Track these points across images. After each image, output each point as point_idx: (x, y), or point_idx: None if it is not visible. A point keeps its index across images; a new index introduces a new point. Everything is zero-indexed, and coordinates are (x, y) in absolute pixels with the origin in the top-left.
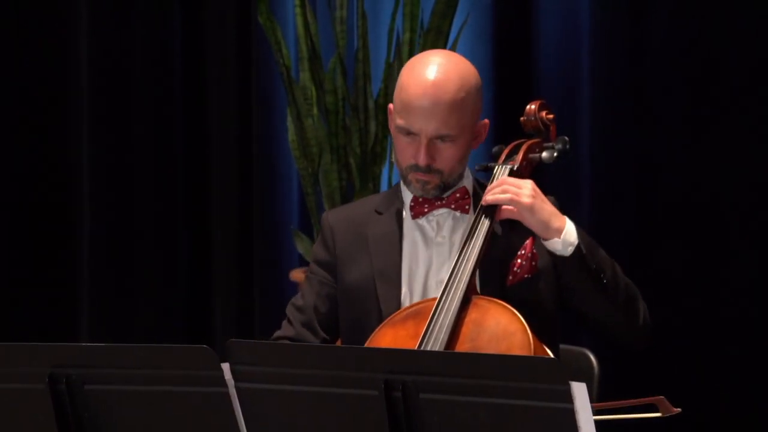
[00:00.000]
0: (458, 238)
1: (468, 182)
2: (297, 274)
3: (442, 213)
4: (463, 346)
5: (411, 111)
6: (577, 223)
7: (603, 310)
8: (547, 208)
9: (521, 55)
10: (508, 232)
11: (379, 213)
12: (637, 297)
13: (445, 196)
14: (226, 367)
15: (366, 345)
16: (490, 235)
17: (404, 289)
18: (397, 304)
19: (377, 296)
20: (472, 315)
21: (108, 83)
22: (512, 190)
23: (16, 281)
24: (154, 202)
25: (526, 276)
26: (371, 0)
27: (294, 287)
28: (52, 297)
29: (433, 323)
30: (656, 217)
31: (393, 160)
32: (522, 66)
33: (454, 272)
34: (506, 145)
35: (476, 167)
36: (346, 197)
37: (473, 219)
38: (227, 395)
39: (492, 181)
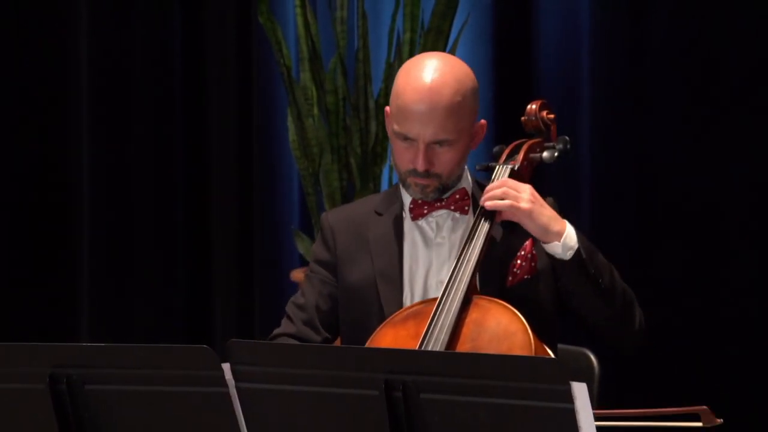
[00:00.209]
0: (458, 239)
1: (467, 183)
2: (297, 274)
3: (441, 214)
4: (463, 346)
5: (408, 117)
6: (577, 222)
7: (600, 313)
8: (546, 212)
9: (521, 55)
10: (508, 233)
11: (379, 214)
12: (634, 302)
13: (444, 197)
14: (226, 367)
15: (366, 345)
16: (491, 235)
17: (405, 290)
18: (399, 305)
19: (379, 297)
20: (472, 315)
21: (108, 83)
22: (511, 194)
23: (16, 281)
24: (154, 202)
25: (525, 277)
26: (372, 0)
27: (294, 287)
28: (52, 297)
29: (433, 323)
30: (656, 217)
31: (392, 163)
32: (522, 66)
33: (455, 272)
34: (507, 145)
35: (477, 167)
36: (347, 197)
37: (473, 220)
38: (227, 395)
39: (492, 181)
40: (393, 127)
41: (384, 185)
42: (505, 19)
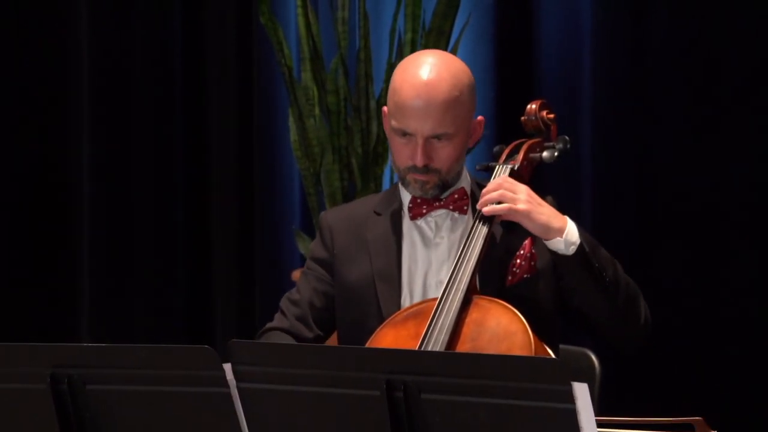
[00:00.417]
0: (457, 239)
1: (466, 183)
2: (298, 275)
3: (440, 214)
4: (463, 346)
5: (405, 112)
6: (577, 222)
7: (604, 310)
8: (544, 210)
9: (523, 56)
10: (507, 233)
11: (378, 214)
12: (638, 296)
13: (443, 197)
14: (227, 367)
15: (367, 345)
16: (490, 235)
17: (404, 290)
18: (397, 305)
19: (377, 297)
20: (472, 315)
21: (108, 83)
22: (508, 196)
23: (17, 281)
24: (155, 203)
25: (525, 276)
26: (373, 0)
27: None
28: (52, 297)
29: (433, 323)
30: (656, 217)
31: (391, 161)
32: (523, 66)
33: (455, 272)
34: (507, 144)
35: (477, 167)
36: (348, 197)
37: (473, 220)
38: (229, 395)
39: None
40: (391, 123)
41: (385, 185)
42: (507, 20)
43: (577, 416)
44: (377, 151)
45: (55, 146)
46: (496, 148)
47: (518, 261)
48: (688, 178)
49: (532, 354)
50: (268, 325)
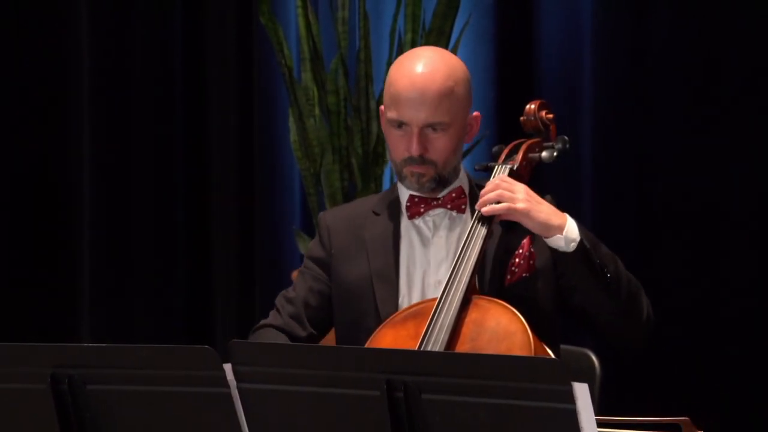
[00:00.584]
0: (455, 238)
1: (464, 182)
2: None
3: (438, 213)
4: (463, 346)
5: (401, 102)
6: (577, 222)
7: (606, 307)
8: (543, 208)
9: (523, 56)
10: (506, 232)
11: (377, 214)
12: (640, 292)
13: (440, 196)
14: (228, 367)
15: (367, 345)
16: (490, 235)
17: (402, 290)
18: (395, 304)
19: (375, 296)
20: (472, 315)
21: (108, 83)
22: (506, 196)
23: (17, 281)
24: (155, 203)
25: (524, 275)
26: (373, 1)
27: None
28: (52, 297)
29: (433, 323)
30: (656, 217)
31: (388, 158)
32: (524, 66)
33: (454, 273)
34: (506, 144)
35: (476, 167)
36: (348, 197)
37: (472, 220)
38: (229, 396)
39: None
40: (387, 116)
41: (385, 185)
42: (507, 20)
43: (577, 416)
44: (377, 152)
45: (55, 146)
46: (495, 148)
47: (517, 260)
48: (688, 178)
49: (532, 354)
50: (262, 321)
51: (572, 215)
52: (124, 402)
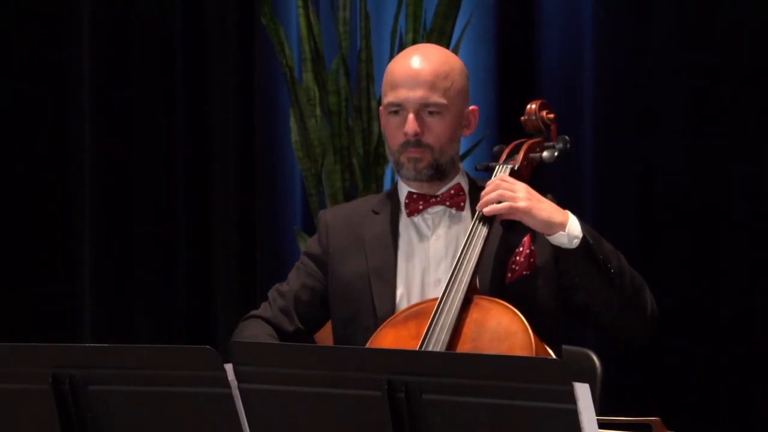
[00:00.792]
0: (454, 236)
1: (463, 180)
2: None
3: (437, 211)
4: (464, 346)
5: (397, 83)
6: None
7: (611, 302)
8: (545, 206)
9: (524, 56)
10: (507, 231)
11: (376, 213)
12: (644, 287)
13: (439, 193)
14: (229, 367)
15: (367, 346)
16: (491, 235)
17: (400, 288)
18: (392, 302)
19: (372, 294)
20: (473, 315)
21: (109, 83)
22: (507, 195)
23: (17, 281)
24: (155, 203)
25: (524, 273)
26: (374, 1)
27: None
28: (52, 297)
29: (434, 323)
30: (656, 217)
31: (387, 154)
32: (525, 66)
33: (455, 272)
34: (507, 144)
35: (477, 167)
36: (349, 198)
37: (473, 220)
38: (230, 396)
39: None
40: (384, 102)
41: (386, 186)
42: (508, 20)
43: (578, 417)
44: (378, 152)
45: (55, 146)
46: (496, 148)
47: (517, 258)
48: (688, 178)
49: (533, 354)
50: (252, 312)
51: (573, 214)
52: (126, 402)
